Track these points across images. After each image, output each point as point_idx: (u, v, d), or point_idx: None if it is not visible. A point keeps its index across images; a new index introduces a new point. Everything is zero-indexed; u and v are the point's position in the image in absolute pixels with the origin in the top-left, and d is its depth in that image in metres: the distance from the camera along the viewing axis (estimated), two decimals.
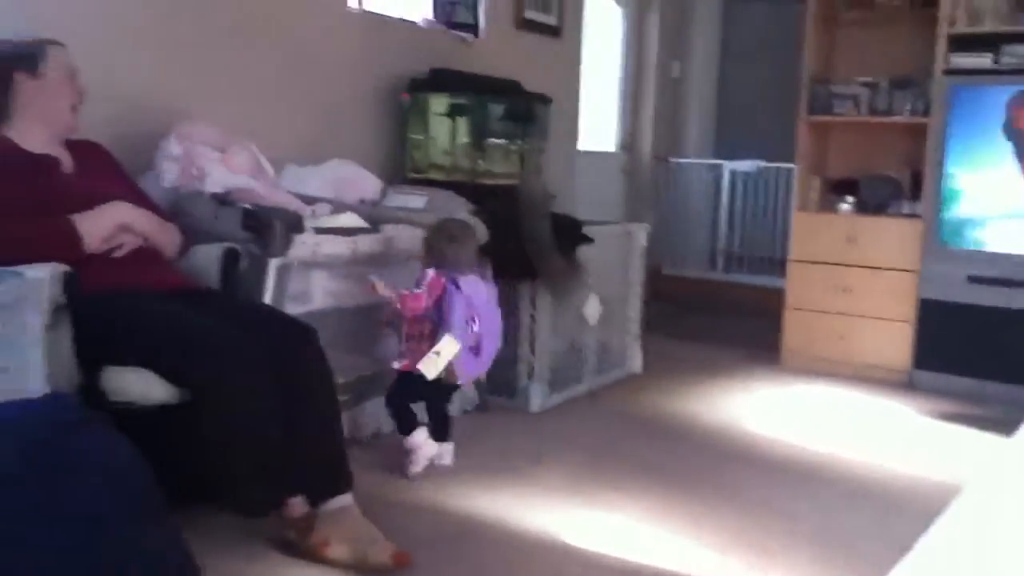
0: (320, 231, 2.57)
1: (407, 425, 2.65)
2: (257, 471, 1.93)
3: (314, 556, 2.03)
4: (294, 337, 2.12)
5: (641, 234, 3.96)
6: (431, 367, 2.56)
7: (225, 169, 2.73)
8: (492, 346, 2.76)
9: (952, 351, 3.83)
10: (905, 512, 2.50)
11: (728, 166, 5.93)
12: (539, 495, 2.52)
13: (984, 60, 3.80)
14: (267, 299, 2.37)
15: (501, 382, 3.37)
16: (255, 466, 1.92)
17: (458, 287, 2.63)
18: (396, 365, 2.66)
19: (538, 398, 3.33)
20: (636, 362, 3.97)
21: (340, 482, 2.09)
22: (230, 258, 2.36)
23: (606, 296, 3.73)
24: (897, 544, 1.21)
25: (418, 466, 2.62)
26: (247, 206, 2.48)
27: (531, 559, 2.14)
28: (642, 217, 5.15)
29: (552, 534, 2.27)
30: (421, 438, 2.64)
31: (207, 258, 2.38)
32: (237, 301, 2.30)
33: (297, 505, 2.05)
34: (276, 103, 3.26)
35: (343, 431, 2.20)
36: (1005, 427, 1.25)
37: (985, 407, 3.54)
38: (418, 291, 2.59)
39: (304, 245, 2.49)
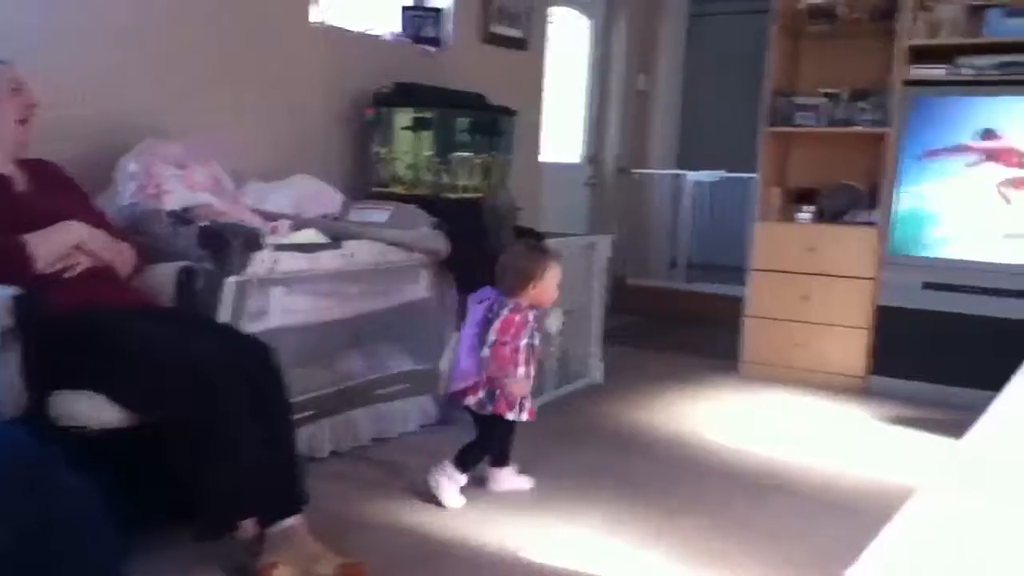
0: (279, 247, 2.57)
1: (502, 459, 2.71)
2: (228, 493, 1.92)
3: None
4: (252, 355, 2.12)
5: (604, 246, 4.00)
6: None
7: (184, 186, 2.73)
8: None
9: (908, 357, 3.90)
10: (861, 515, 2.55)
11: (691, 177, 5.99)
12: (499, 510, 2.53)
13: (941, 71, 3.88)
14: (223, 317, 2.37)
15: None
16: (227, 489, 1.92)
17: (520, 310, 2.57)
18: (518, 416, 2.62)
19: None
20: (598, 372, 4.00)
21: (292, 503, 2.07)
22: (186, 276, 2.36)
23: (569, 307, 3.76)
24: (854, 547, 1.24)
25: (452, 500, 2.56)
26: (204, 223, 2.47)
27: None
28: (606, 229, 5.18)
29: (511, 549, 2.29)
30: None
31: (164, 277, 2.38)
32: (196, 319, 2.30)
33: (248, 526, 2.02)
34: (240, 119, 3.26)
35: (297, 450, 2.18)
36: (958, 430, 1.30)
37: (939, 411, 3.61)
38: (506, 343, 2.53)
39: (262, 262, 2.49)
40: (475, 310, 2.63)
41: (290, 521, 2.04)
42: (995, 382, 1.52)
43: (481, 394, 2.58)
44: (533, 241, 2.87)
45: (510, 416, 2.60)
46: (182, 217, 2.56)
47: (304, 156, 3.46)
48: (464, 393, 2.60)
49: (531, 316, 2.59)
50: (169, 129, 2.86)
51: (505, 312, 2.55)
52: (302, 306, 2.75)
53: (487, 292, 2.62)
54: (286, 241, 2.70)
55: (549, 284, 2.61)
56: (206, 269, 2.41)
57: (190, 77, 3.07)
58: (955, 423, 1.21)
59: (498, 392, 2.58)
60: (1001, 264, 3.73)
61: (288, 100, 3.44)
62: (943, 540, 1.32)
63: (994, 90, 3.76)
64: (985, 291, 3.73)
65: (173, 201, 2.64)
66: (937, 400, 3.72)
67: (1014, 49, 3.71)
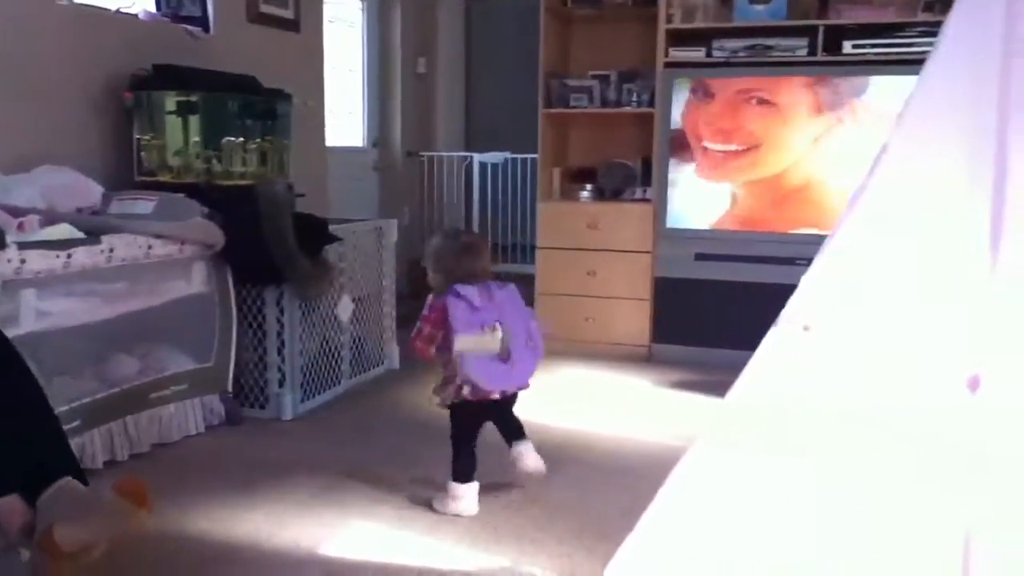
0: (26, 246, 2.33)
1: (465, 473, 2.43)
2: None
3: (46, 549, 1.76)
4: None
5: (392, 230, 3.95)
6: (466, 344, 2.31)
7: None
8: (526, 356, 2.47)
9: (684, 324, 4.14)
10: (644, 478, 2.65)
11: (478, 158, 6.05)
12: (292, 509, 2.44)
13: (699, 53, 4.12)
14: None
15: (251, 391, 3.25)
16: None
17: (458, 295, 2.35)
18: (447, 402, 2.43)
19: (291, 405, 3.23)
20: (394, 358, 3.96)
21: (57, 467, 1.85)
22: None
23: (360, 294, 3.69)
24: (637, 510, 1.27)
25: (448, 510, 2.40)
26: None
27: (286, 575, 2.07)
28: (397, 213, 5.14)
29: (307, 547, 2.21)
30: (466, 492, 2.42)
31: None
32: None
33: (15, 510, 1.80)
34: None
35: (54, 415, 1.97)
36: (726, 390, 1.38)
37: (713, 373, 3.84)
38: (418, 327, 2.38)
39: (7, 262, 2.26)
40: (461, 305, 2.36)
41: (52, 488, 1.81)
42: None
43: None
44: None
45: (457, 347, 2.33)
46: None
47: (55, 146, 3.17)
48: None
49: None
50: None
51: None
52: (59, 308, 2.52)
53: (464, 289, 2.37)
54: (35, 238, 2.46)
55: None
56: None
57: None
58: (726, 383, 1.28)
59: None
60: (767, 234, 4.02)
61: (32, 84, 3.13)
62: (707, 489, 1.41)
63: (745, 70, 4.04)
64: (752, 259, 4.01)
65: None
66: (712, 363, 3.95)
67: (760, 33, 4.01)
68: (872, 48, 3.87)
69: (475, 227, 6.20)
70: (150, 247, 2.75)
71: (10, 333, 2.24)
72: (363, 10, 5.64)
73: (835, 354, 1.19)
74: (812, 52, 3.94)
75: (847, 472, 1.23)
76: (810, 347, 1.20)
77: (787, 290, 1.26)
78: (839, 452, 1.25)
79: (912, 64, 3.62)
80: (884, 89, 3.81)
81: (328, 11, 4.85)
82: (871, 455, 1.21)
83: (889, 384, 1.17)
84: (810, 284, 1.17)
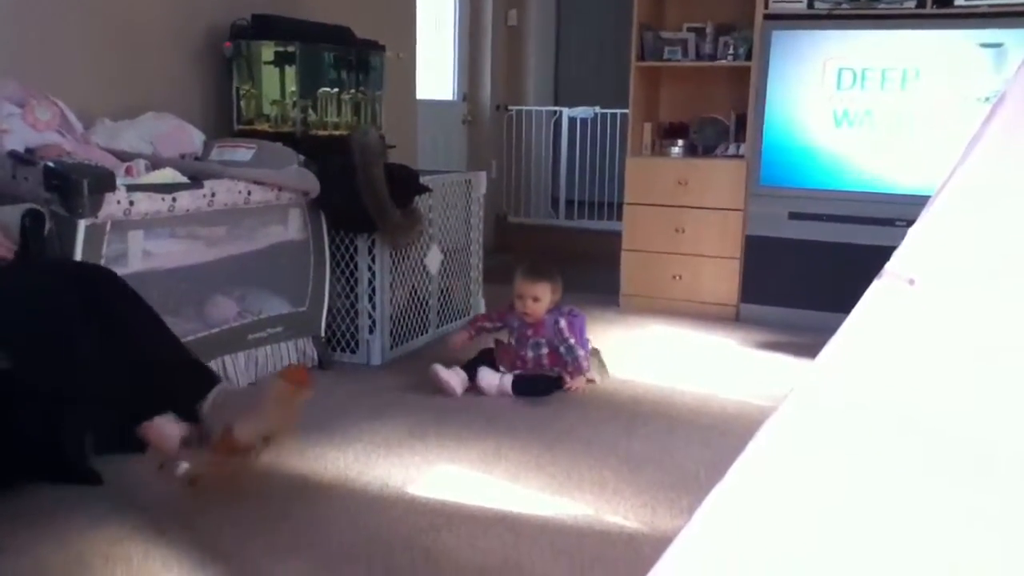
0: (134, 188, 2.43)
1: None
2: (93, 417, 1.94)
3: (227, 450, 1.98)
4: (88, 278, 2.07)
5: (480, 182, 3.97)
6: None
7: (25, 125, 2.54)
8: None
9: (774, 284, 4.06)
10: (728, 436, 2.65)
11: (567, 113, 6.00)
12: (381, 450, 2.51)
13: (799, 5, 3.97)
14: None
15: (342, 337, 3.33)
16: (88, 413, 1.93)
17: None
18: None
19: (380, 351, 3.31)
20: (479, 309, 4.00)
21: (206, 379, 2.07)
22: (33, 219, 2.20)
23: (448, 246, 3.73)
24: (720, 467, 1.28)
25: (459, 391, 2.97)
26: (49, 163, 2.31)
27: (374, 511, 2.13)
28: (485, 167, 5.15)
29: (394, 486, 2.28)
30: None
31: (8, 219, 2.22)
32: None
33: (171, 428, 1.98)
34: (82, 53, 3.04)
35: (180, 340, 2.15)
36: (816, 352, 1.35)
37: (802, 335, 3.77)
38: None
39: (116, 204, 2.35)
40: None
41: (212, 395, 2.02)
42: (853, 305, 1.59)
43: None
44: (533, 261, 3.20)
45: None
46: (24, 158, 2.39)
47: (158, 94, 3.27)
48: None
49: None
50: (2, 67, 2.64)
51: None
52: (163, 250, 2.63)
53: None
54: (141, 181, 2.55)
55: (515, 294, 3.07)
56: (54, 212, 2.25)
57: (25, 10, 2.83)
58: (815, 346, 1.25)
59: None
60: (862, 193, 3.89)
61: (135, 32, 3.23)
62: (796, 450, 1.38)
63: (847, 24, 3.88)
64: (848, 219, 3.90)
65: (13, 141, 2.46)
66: (802, 325, 3.87)
67: None
68: (985, 0, 3.68)
69: (562, 183, 6.19)
70: (249, 193, 2.82)
71: (119, 272, 2.36)
72: None
73: (944, 312, 1.14)
74: (921, 4, 3.77)
75: (951, 443, 1.16)
76: (916, 303, 1.15)
77: (885, 252, 1.21)
78: (944, 421, 1.18)
79: None
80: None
81: None
82: (981, 427, 1.14)
83: (1005, 348, 1.11)
84: (919, 234, 1.12)
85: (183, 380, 2.04)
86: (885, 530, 1.27)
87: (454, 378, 2.99)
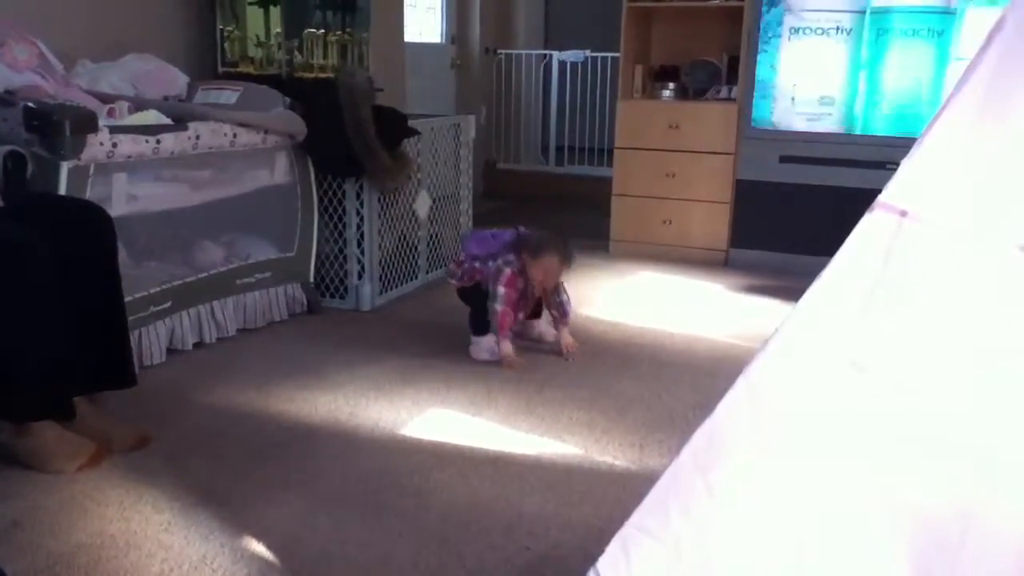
0: (116, 130, 2.39)
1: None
2: (43, 371, 1.89)
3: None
4: (76, 222, 2.06)
5: (470, 126, 3.92)
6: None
7: (3, 64, 2.49)
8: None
9: (764, 229, 4.05)
10: (715, 375, 2.66)
11: (557, 56, 5.92)
12: (371, 393, 2.52)
13: None
14: None
15: (331, 282, 3.32)
16: (41, 366, 1.88)
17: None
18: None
19: (369, 297, 3.30)
20: None
21: (120, 377, 2.12)
22: (14, 161, 2.17)
23: (437, 192, 3.70)
24: (710, 402, 1.28)
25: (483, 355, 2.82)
26: (29, 103, 2.26)
27: (365, 452, 2.15)
28: (474, 111, 5.09)
29: (384, 428, 2.28)
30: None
31: None
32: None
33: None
34: None
35: (126, 323, 2.16)
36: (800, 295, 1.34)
37: (791, 279, 3.76)
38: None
39: (100, 146, 2.32)
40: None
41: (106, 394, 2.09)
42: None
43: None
44: (557, 237, 2.95)
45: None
46: (3, 99, 2.34)
47: (140, 35, 3.21)
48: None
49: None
50: None
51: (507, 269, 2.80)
52: (148, 193, 2.59)
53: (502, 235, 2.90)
54: (124, 123, 2.51)
55: (539, 268, 2.82)
56: (35, 154, 2.22)
57: None
58: (804, 290, 1.24)
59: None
60: (854, 136, 3.87)
61: None
62: (781, 398, 1.37)
63: None
64: (839, 162, 3.88)
65: None
66: (791, 269, 3.87)
67: None
68: None
69: (552, 128, 6.13)
70: (235, 136, 2.78)
71: None
72: None
73: (936, 246, 1.12)
74: None
75: (939, 386, 1.12)
76: (908, 235, 1.13)
77: (875, 196, 1.18)
78: (933, 362, 1.13)
79: None
80: None
81: None
82: (973, 370, 1.09)
83: (998, 287, 1.07)
84: (912, 166, 1.10)
85: (108, 367, 2.10)
86: (859, 456, 1.27)
87: (495, 346, 2.83)
